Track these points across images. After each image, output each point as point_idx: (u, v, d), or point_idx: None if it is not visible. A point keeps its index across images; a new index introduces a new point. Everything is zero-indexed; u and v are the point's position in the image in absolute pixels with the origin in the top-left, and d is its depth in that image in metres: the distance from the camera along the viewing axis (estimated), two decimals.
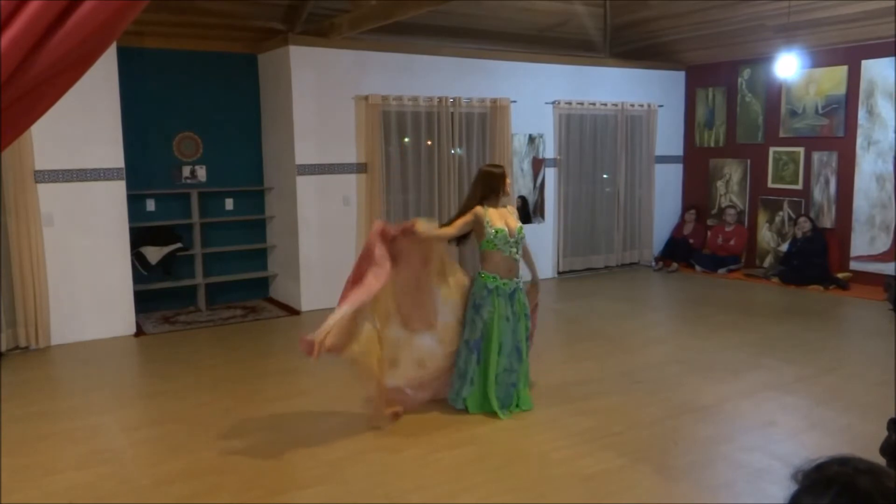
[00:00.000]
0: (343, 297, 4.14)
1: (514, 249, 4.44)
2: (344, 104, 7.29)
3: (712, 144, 9.64)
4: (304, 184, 7.16)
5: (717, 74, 9.45)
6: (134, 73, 6.77)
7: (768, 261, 9.00)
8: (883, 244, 7.92)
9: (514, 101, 8.27)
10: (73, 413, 4.56)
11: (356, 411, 4.54)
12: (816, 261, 8.14)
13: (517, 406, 4.49)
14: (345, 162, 7.38)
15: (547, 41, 8.69)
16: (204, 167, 7.39)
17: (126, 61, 6.44)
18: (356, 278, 4.19)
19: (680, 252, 9.49)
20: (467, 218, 4.41)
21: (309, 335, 3.92)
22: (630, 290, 8.39)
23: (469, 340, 4.44)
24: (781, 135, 8.80)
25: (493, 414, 4.39)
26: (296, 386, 5.11)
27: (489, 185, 4.48)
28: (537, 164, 8.69)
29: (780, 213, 8.91)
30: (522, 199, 8.58)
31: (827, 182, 8.39)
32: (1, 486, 3.48)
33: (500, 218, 4.44)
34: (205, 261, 7.40)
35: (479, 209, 4.42)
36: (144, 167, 6.98)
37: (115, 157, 6.27)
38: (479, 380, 4.45)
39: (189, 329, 6.68)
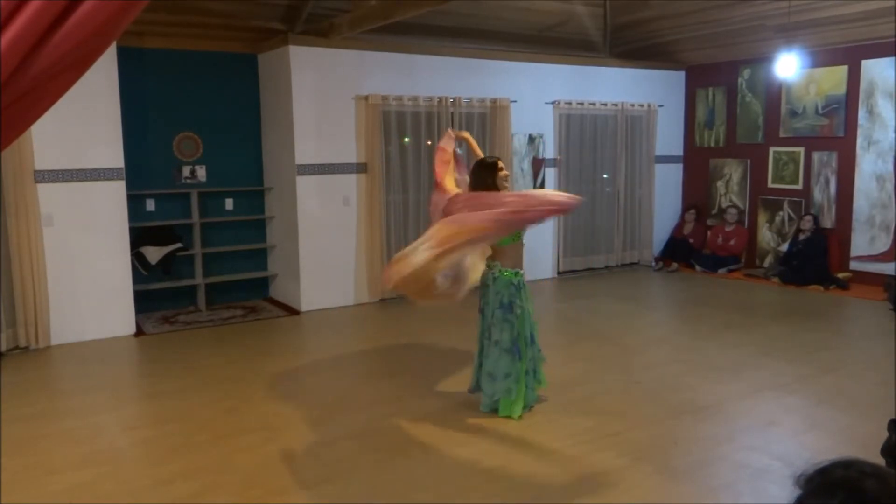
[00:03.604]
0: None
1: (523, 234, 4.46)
2: (344, 104, 7.30)
3: (712, 144, 9.64)
4: (304, 184, 7.16)
5: (717, 74, 9.45)
6: (134, 73, 6.77)
7: (768, 261, 9.00)
8: (883, 244, 7.92)
9: (514, 101, 8.27)
10: (73, 413, 4.56)
11: (356, 411, 4.54)
12: (817, 261, 8.14)
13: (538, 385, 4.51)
14: (345, 162, 7.38)
15: (547, 41, 8.69)
16: (204, 167, 7.39)
17: (126, 61, 6.44)
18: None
19: (680, 252, 9.49)
20: None
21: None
22: (630, 290, 8.39)
23: (501, 342, 4.29)
24: (781, 135, 8.80)
25: (493, 414, 4.39)
26: (295, 386, 5.11)
27: (479, 178, 4.43)
28: (537, 164, 8.69)
29: (781, 213, 8.91)
30: None
31: (827, 182, 8.38)
32: (1, 486, 3.48)
33: None
34: (205, 261, 7.40)
35: None
36: (144, 167, 6.99)
37: (115, 157, 6.27)
38: (521, 380, 4.37)
39: (189, 329, 6.68)
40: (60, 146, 5.97)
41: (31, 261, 5.86)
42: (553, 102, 8.71)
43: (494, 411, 4.39)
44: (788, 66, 6.83)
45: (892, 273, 7.48)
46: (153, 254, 7.02)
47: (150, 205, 7.17)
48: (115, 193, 6.32)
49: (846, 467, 1.17)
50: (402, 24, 6.78)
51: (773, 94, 8.81)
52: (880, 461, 2.78)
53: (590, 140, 9.11)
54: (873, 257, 8.00)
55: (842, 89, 8.12)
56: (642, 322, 6.93)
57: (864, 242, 8.09)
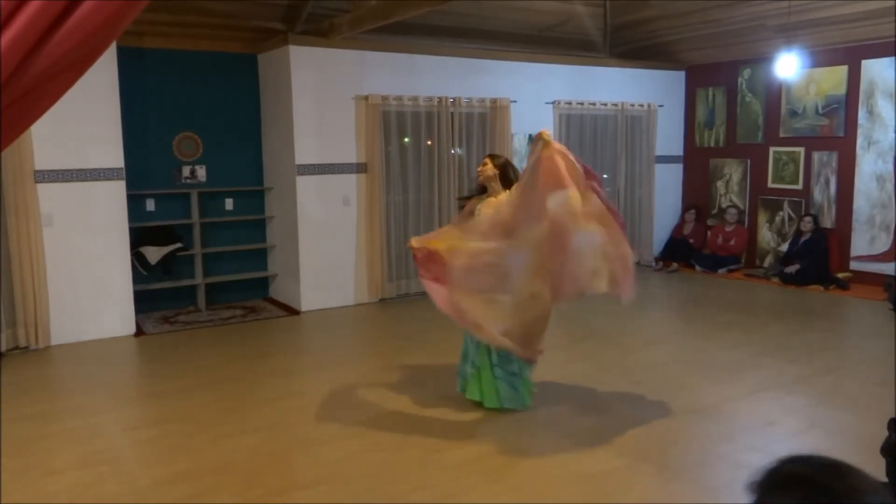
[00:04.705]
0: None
1: None
2: (344, 104, 7.29)
3: (712, 144, 9.64)
4: (304, 184, 7.16)
5: (717, 74, 9.45)
6: (134, 73, 6.77)
7: (768, 261, 9.00)
8: (883, 244, 7.92)
9: (514, 101, 8.27)
10: (73, 413, 4.56)
11: (356, 411, 4.54)
12: (818, 261, 8.13)
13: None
14: (345, 162, 7.38)
15: (547, 41, 8.69)
16: (204, 167, 7.39)
17: (126, 61, 6.44)
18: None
19: (680, 252, 9.48)
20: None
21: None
22: None
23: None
24: (781, 135, 8.80)
25: (494, 413, 4.39)
26: (295, 386, 5.11)
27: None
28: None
29: (781, 213, 8.91)
30: None
31: (827, 182, 8.38)
32: (1, 486, 3.48)
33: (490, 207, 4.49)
34: (205, 261, 7.40)
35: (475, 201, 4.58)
36: (144, 167, 6.98)
37: (115, 157, 6.27)
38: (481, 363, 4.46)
39: (189, 329, 6.68)
40: (60, 146, 5.97)
41: (31, 261, 5.86)
42: (553, 102, 8.71)
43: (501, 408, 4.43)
44: (788, 66, 6.83)
45: (892, 273, 7.48)
46: (153, 254, 7.02)
47: (150, 205, 7.17)
48: (115, 193, 6.32)
49: (800, 462, 1.15)
50: (402, 24, 6.78)
51: (773, 94, 8.81)
52: (880, 461, 2.78)
53: (590, 140, 9.11)
54: (873, 257, 8.00)
55: (842, 89, 8.12)
56: (642, 322, 6.93)
57: (864, 242, 8.09)
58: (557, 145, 4.20)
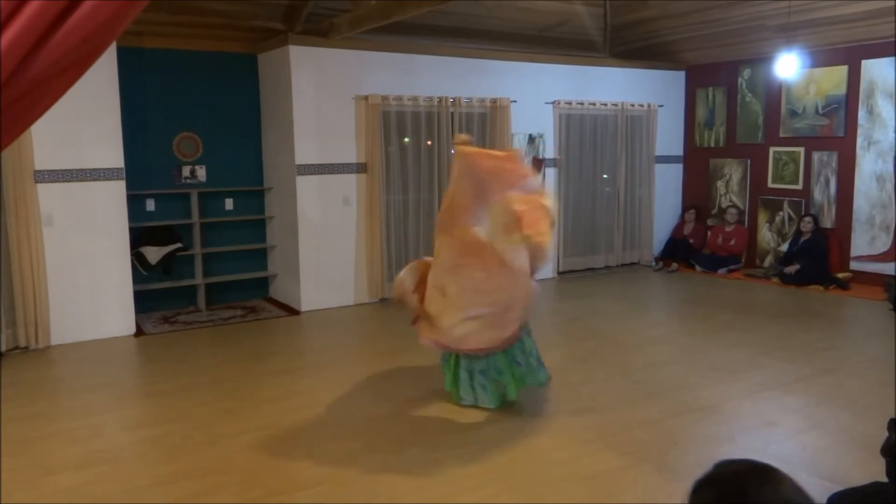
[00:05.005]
0: None
1: None
2: (344, 104, 7.30)
3: (712, 144, 9.64)
4: (304, 184, 7.16)
5: (717, 74, 9.45)
6: (134, 73, 6.77)
7: (768, 261, 9.00)
8: (883, 244, 7.92)
9: (514, 101, 8.27)
10: (73, 413, 4.56)
11: (356, 411, 4.54)
12: (818, 261, 8.13)
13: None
14: (345, 162, 7.38)
15: (547, 41, 8.69)
16: (204, 167, 7.39)
17: (126, 61, 6.44)
18: None
19: (680, 252, 9.48)
20: None
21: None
22: (630, 290, 8.39)
23: None
24: (781, 135, 8.80)
25: (494, 413, 4.39)
26: (296, 386, 5.11)
27: None
28: (537, 164, 8.68)
29: (781, 213, 8.91)
30: None
31: (827, 182, 8.38)
32: (1, 486, 3.48)
33: None
34: (205, 261, 7.40)
35: None
36: (144, 167, 6.99)
37: (115, 157, 6.27)
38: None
39: (189, 329, 6.68)
40: (60, 146, 5.97)
41: (31, 261, 5.85)
42: (553, 102, 8.71)
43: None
44: (788, 66, 6.83)
45: (892, 273, 7.48)
46: (153, 254, 7.02)
47: (150, 205, 7.17)
48: (115, 193, 6.32)
49: (733, 464, 1.19)
50: (402, 24, 6.78)
51: (773, 94, 8.81)
52: (880, 461, 2.78)
53: (590, 140, 9.11)
54: (873, 257, 8.00)
55: (842, 89, 8.12)
56: (642, 322, 6.93)
57: (864, 242, 8.09)
58: (470, 150, 4.27)
